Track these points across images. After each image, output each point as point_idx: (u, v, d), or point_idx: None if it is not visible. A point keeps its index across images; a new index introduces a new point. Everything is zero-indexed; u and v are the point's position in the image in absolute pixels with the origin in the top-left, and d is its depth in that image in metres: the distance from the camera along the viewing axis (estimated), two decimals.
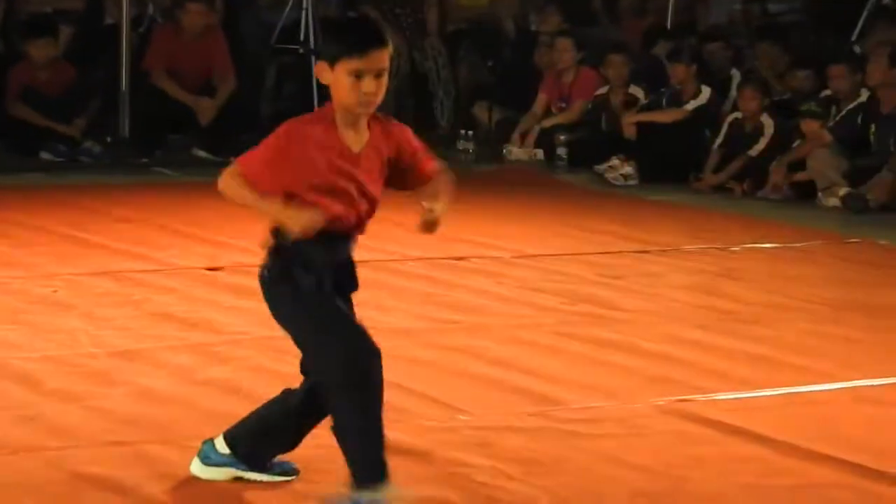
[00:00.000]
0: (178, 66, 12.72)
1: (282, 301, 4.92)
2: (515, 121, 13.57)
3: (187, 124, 12.46)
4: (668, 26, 14.61)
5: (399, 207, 9.58)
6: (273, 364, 6.22)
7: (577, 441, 5.75)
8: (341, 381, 4.83)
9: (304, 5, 13.44)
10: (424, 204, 5.05)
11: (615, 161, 12.36)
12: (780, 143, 11.99)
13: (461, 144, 13.65)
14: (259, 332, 6.63)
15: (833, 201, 11.37)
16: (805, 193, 11.64)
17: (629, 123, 12.72)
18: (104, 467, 5.22)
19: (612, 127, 13.00)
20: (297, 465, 5.23)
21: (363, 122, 4.87)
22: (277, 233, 4.80)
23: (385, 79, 4.81)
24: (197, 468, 5.17)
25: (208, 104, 12.44)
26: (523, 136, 13.39)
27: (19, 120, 12.29)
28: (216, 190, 4.83)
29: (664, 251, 9.51)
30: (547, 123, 13.38)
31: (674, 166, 12.35)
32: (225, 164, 4.88)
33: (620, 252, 9.43)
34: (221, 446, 5.13)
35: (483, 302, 7.96)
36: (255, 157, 4.77)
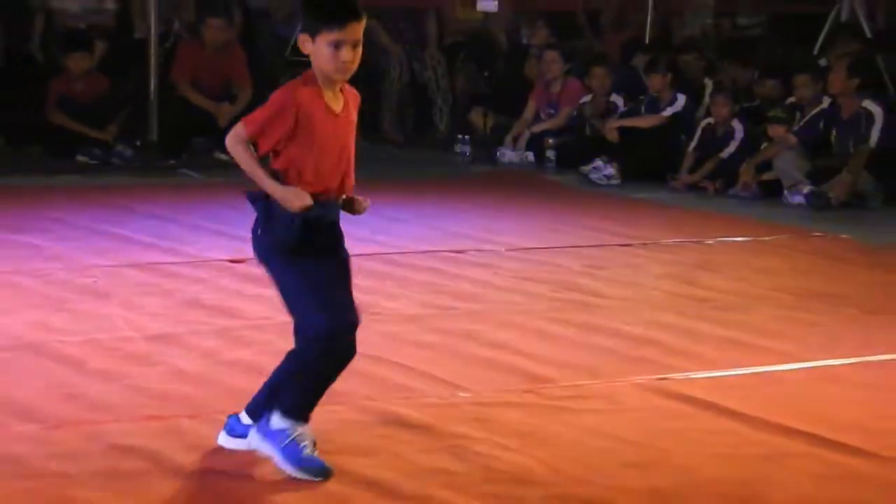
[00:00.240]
0: (201, 77, 12.72)
1: (271, 257, 5.02)
2: (508, 126, 13.57)
3: (209, 130, 12.46)
4: (646, 40, 14.60)
5: (405, 207, 9.64)
6: (291, 346, 6.25)
7: (566, 416, 5.78)
8: (314, 350, 4.97)
9: None
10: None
11: (599, 162, 12.36)
12: (749, 146, 12.00)
13: (458, 147, 13.64)
14: (279, 318, 6.59)
15: (798, 199, 11.37)
16: (772, 192, 11.65)
17: (611, 128, 12.74)
18: (140, 439, 5.26)
19: (595, 131, 13.02)
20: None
21: (338, 88, 5.01)
22: (265, 199, 4.92)
23: (360, 49, 4.96)
24: (223, 439, 5.21)
25: (228, 109, 12.44)
26: (515, 140, 13.40)
27: (57, 126, 12.30)
28: (237, 190, 4.89)
29: (644, 244, 9.53)
30: (537, 128, 13.38)
31: (652, 167, 12.36)
32: None
33: (604, 245, 9.45)
34: (245, 418, 5.18)
35: (480, 291, 7.99)
36: (257, 117, 4.93)
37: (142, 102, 12.80)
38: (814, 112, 11.89)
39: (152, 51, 12.87)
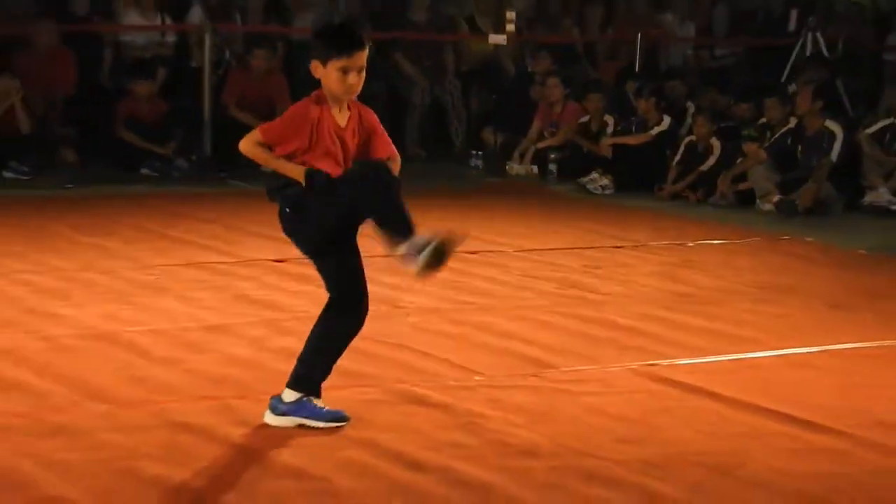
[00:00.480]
0: (248, 100, 12.73)
1: (302, 225, 5.08)
2: (515, 143, 13.54)
3: None
4: (636, 68, 14.56)
5: (426, 213, 9.61)
6: None
7: (568, 397, 5.76)
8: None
9: None
10: None
11: (595, 174, 12.34)
12: (726, 161, 11.95)
13: (472, 161, 13.65)
14: (318, 311, 6.61)
15: (768, 206, 11.34)
16: (746, 200, 11.60)
17: (606, 145, 12.71)
18: (196, 417, 5.26)
19: (591, 147, 12.98)
20: (348, 413, 5.24)
21: (345, 104, 5.09)
22: (289, 183, 5.02)
23: (363, 73, 5.06)
24: (269, 417, 5.20)
25: None
26: (522, 155, 13.37)
27: (125, 143, 12.31)
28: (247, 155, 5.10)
29: (635, 246, 9.48)
30: (541, 145, 13.35)
31: (642, 179, 12.30)
32: None
33: (600, 247, 9.40)
34: (287, 396, 5.17)
35: (492, 287, 7.96)
36: (273, 127, 5.05)
37: (197, 122, 12.82)
38: (782, 131, 11.85)
39: (206, 77, 12.88)
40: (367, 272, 5.22)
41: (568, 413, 5.53)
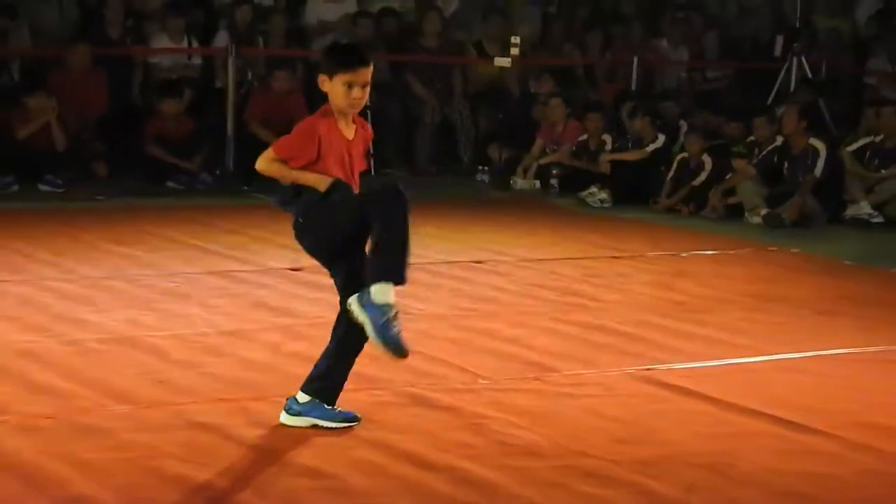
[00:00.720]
0: (269, 119, 12.64)
1: (312, 228, 4.99)
2: (519, 159, 13.46)
3: None
4: (633, 89, 14.49)
5: (435, 224, 9.50)
6: None
7: (568, 399, 5.68)
8: (379, 220, 4.84)
9: None
10: None
11: (594, 189, 12.26)
12: (717, 176, 11.87)
13: (479, 176, 13.58)
14: (331, 317, 6.46)
15: (756, 219, 11.26)
16: (735, 213, 11.51)
17: (604, 161, 12.64)
18: (215, 418, 5.18)
19: (590, 163, 12.90)
20: (359, 414, 5.16)
21: (350, 118, 5.05)
22: (302, 192, 4.95)
23: (368, 89, 5.01)
24: (284, 418, 5.13)
25: None
26: (525, 171, 13.29)
27: (153, 158, 12.25)
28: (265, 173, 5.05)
29: (632, 256, 9.39)
30: (543, 161, 13.27)
31: (638, 193, 12.22)
32: None
33: (599, 257, 9.31)
34: (301, 398, 5.09)
35: (497, 295, 7.86)
36: (285, 143, 5.00)
37: (221, 139, 12.75)
38: (769, 148, 11.78)
39: (230, 97, 12.82)
40: None
41: (568, 415, 5.45)
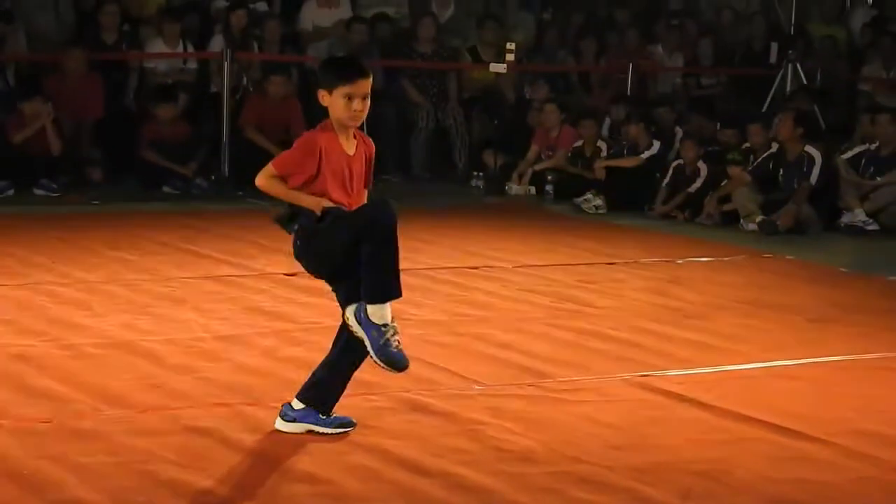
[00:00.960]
0: (265, 124, 12.66)
1: (310, 251, 4.96)
2: (514, 165, 13.47)
3: None
4: (628, 95, 14.49)
5: (429, 230, 9.50)
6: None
7: (563, 405, 5.68)
8: (368, 238, 4.81)
9: None
10: None
11: (589, 195, 12.26)
12: (712, 183, 11.87)
13: (474, 182, 13.59)
14: (326, 322, 6.55)
15: (752, 226, 11.26)
16: (731, 220, 11.51)
17: (599, 168, 12.63)
18: (210, 422, 5.18)
19: (586, 169, 12.91)
20: (355, 420, 5.16)
21: (351, 133, 5.01)
22: (299, 212, 4.91)
23: (368, 101, 4.97)
24: (279, 423, 5.13)
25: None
26: (520, 177, 13.30)
27: (148, 163, 12.25)
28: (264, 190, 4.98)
29: (627, 263, 9.38)
30: (538, 167, 13.28)
31: (633, 199, 12.23)
32: None
33: (594, 263, 9.31)
34: (297, 404, 5.09)
35: (492, 300, 7.86)
36: (285, 159, 4.95)
37: (216, 144, 12.75)
38: (764, 155, 11.77)
39: (225, 102, 12.83)
40: None
41: (563, 421, 5.45)
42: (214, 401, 5.48)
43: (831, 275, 9.35)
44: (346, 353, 5.04)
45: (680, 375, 6.24)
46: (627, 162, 12.58)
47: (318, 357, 6.02)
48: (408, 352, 5.02)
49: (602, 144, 13.03)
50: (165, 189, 12.17)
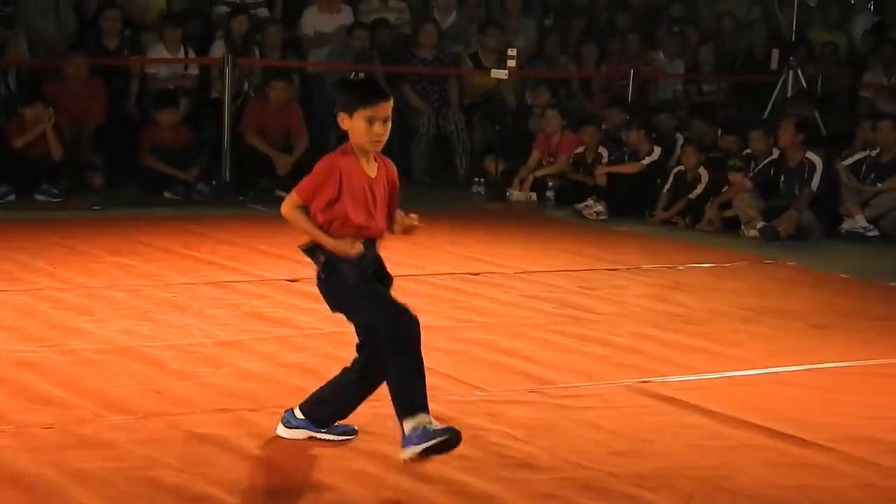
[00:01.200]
0: (266, 129, 12.65)
1: (336, 293, 4.91)
2: (515, 171, 13.47)
3: (272, 172, 12.40)
4: (629, 101, 14.49)
5: (431, 236, 9.51)
6: (338, 352, 6.10)
7: (565, 412, 5.68)
8: (390, 350, 4.78)
9: None
10: (411, 215, 5.09)
11: (590, 201, 12.27)
12: (713, 189, 11.87)
13: (475, 188, 13.55)
14: (328, 329, 6.57)
15: (753, 232, 11.26)
16: (731, 226, 11.51)
17: (600, 174, 12.64)
18: (211, 428, 5.17)
19: (587, 175, 12.91)
20: (357, 427, 5.16)
21: (372, 156, 4.94)
22: (322, 249, 4.86)
23: (389, 124, 4.90)
24: (281, 430, 5.12)
25: (286, 159, 12.36)
26: (522, 183, 13.29)
27: (149, 168, 12.24)
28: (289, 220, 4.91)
29: (628, 269, 9.38)
30: (539, 173, 13.27)
31: (634, 206, 12.23)
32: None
33: (595, 269, 9.30)
34: (299, 413, 5.09)
35: (493, 306, 7.86)
36: (307, 186, 4.87)
37: (217, 149, 12.75)
38: (765, 161, 11.78)
39: (226, 107, 12.83)
40: None
41: (565, 427, 5.45)
42: (216, 407, 5.48)
43: (832, 281, 9.35)
44: (358, 384, 4.99)
45: (681, 381, 6.23)
46: (628, 168, 12.59)
47: (320, 363, 6.06)
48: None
49: (603, 151, 13.03)
50: (166, 194, 12.16)
